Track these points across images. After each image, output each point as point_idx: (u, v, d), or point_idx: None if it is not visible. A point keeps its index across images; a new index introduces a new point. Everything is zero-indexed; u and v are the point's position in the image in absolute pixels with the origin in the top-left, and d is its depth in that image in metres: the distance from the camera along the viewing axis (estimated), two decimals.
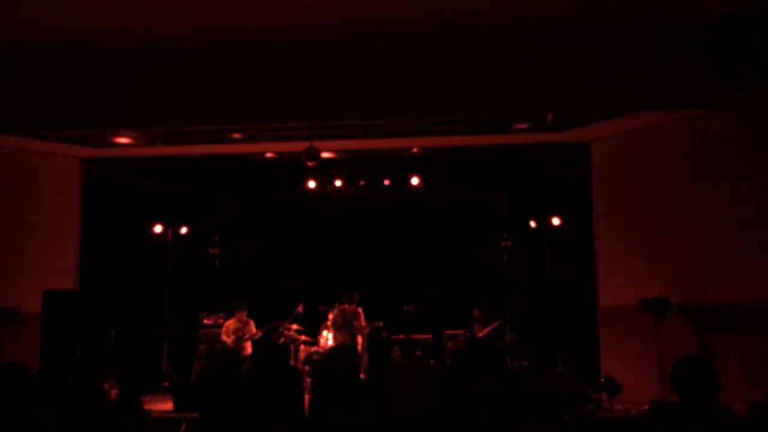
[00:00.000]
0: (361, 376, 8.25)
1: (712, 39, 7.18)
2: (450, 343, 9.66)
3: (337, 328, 9.61)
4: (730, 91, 7.30)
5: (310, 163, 8.28)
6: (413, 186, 10.90)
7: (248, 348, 9.27)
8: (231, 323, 9.35)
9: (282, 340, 9.47)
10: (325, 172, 10.50)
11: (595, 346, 9.21)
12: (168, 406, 8.10)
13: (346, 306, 9.66)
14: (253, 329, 9.29)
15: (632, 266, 8.72)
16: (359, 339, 9.58)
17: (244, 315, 9.34)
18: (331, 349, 8.35)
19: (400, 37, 7.33)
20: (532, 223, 10.46)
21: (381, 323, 9.75)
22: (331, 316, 9.81)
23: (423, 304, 10.72)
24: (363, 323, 9.62)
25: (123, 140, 8.94)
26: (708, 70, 7.29)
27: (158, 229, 10.53)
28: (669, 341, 8.18)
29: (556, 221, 10.21)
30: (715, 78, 7.29)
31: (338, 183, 10.96)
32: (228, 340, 9.18)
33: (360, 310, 9.71)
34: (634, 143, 8.81)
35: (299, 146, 8.33)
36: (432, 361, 7.46)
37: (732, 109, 7.56)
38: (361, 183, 11.02)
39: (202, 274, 11.31)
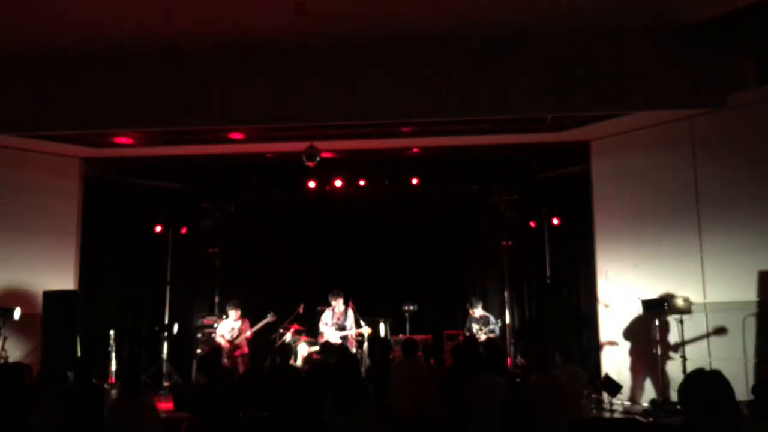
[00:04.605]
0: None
1: (713, 38, 7.16)
2: (450, 343, 9.64)
3: (326, 330, 9.58)
4: (730, 90, 7.28)
5: (310, 163, 8.29)
6: (413, 186, 10.89)
7: (244, 348, 9.22)
8: (224, 324, 9.34)
9: (282, 340, 9.47)
10: (324, 172, 10.49)
11: (595, 345, 9.23)
12: (168, 405, 8.11)
13: (333, 307, 9.64)
14: (248, 329, 9.23)
15: (632, 266, 8.73)
16: (350, 340, 9.50)
17: (237, 315, 9.31)
18: (322, 347, 8.28)
19: (400, 37, 7.31)
20: (532, 223, 10.47)
21: (381, 322, 9.68)
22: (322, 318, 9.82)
23: (423, 303, 10.74)
24: (353, 323, 9.54)
25: (123, 140, 8.95)
26: (708, 70, 7.27)
27: (158, 229, 10.54)
28: (668, 341, 8.22)
29: (555, 221, 10.23)
30: (715, 77, 7.28)
31: (338, 183, 10.96)
32: (221, 340, 9.15)
33: (351, 309, 9.63)
34: (634, 143, 8.82)
35: (299, 146, 8.35)
36: (432, 361, 7.44)
37: (732, 108, 7.56)
38: (361, 183, 11.01)
39: (202, 274, 11.33)
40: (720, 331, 7.84)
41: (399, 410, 6.04)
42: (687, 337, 7.91)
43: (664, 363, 8.15)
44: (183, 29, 7.05)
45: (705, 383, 2.67)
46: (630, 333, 8.68)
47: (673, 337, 8.13)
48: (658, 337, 8.12)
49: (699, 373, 2.78)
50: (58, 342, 8.45)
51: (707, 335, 7.89)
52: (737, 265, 7.70)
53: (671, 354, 8.16)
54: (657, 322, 8.10)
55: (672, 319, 7.98)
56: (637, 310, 8.25)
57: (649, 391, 8.35)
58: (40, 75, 7.79)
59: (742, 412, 6.23)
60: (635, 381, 8.56)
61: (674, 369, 8.00)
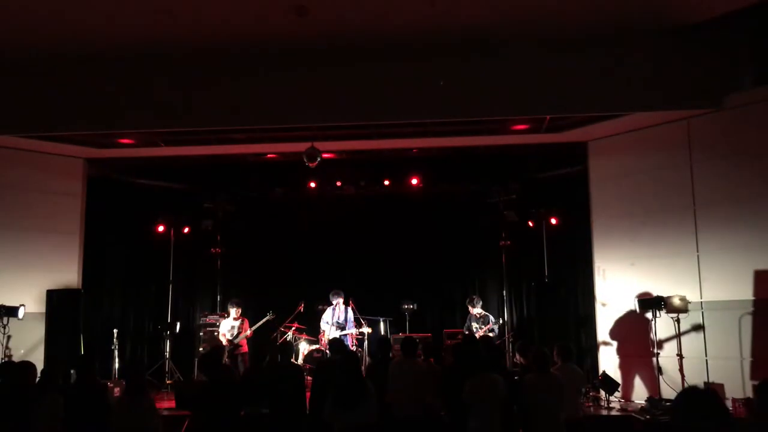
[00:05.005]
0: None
1: (712, 39, 7.18)
2: (449, 342, 9.70)
3: (327, 329, 9.66)
4: (727, 91, 7.32)
5: (310, 164, 8.33)
6: (413, 186, 10.95)
7: (244, 346, 9.32)
8: (226, 323, 9.44)
9: (284, 338, 9.54)
10: (325, 173, 10.54)
11: (593, 344, 9.29)
12: (170, 404, 8.18)
13: (334, 305, 9.72)
14: (247, 328, 9.33)
15: (629, 265, 8.79)
16: (350, 338, 9.57)
17: (238, 314, 9.41)
18: (331, 344, 8.38)
19: (400, 38, 7.33)
20: (531, 223, 10.52)
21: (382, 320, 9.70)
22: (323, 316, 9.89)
23: (423, 302, 10.79)
24: (354, 322, 9.63)
25: (126, 141, 9.00)
26: (707, 70, 7.30)
27: (161, 228, 10.61)
28: (665, 339, 8.28)
29: (554, 221, 10.27)
30: (712, 78, 7.30)
31: (339, 183, 11.02)
32: (223, 339, 9.25)
33: (351, 308, 9.69)
34: (632, 143, 8.86)
35: (300, 147, 8.39)
36: (432, 359, 7.50)
37: (729, 110, 7.60)
38: (362, 183, 11.07)
39: (204, 274, 11.39)
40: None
41: (398, 409, 6.07)
42: (684, 335, 7.98)
43: (660, 361, 8.20)
44: (184, 30, 7.06)
45: (700, 403, 2.66)
46: (627, 331, 8.74)
47: (669, 336, 8.18)
48: (655, 335, 8.18)
49: (694, 390, 2.79)
50: (61, 340, 8.53)
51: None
52: (733, 264, 7.77)
53: (668, 352, 8.22)
54: (654, 321, 8.16)
55: (669, 318, 8.04)
56: (634, 308, 8.31)
57: (646, 389, 8.42)
58: (40, 77, 7.81)
59: (739, 413, 6.30)
60: (632, 379, 8.63)
61: (671, 367, 8.06)
